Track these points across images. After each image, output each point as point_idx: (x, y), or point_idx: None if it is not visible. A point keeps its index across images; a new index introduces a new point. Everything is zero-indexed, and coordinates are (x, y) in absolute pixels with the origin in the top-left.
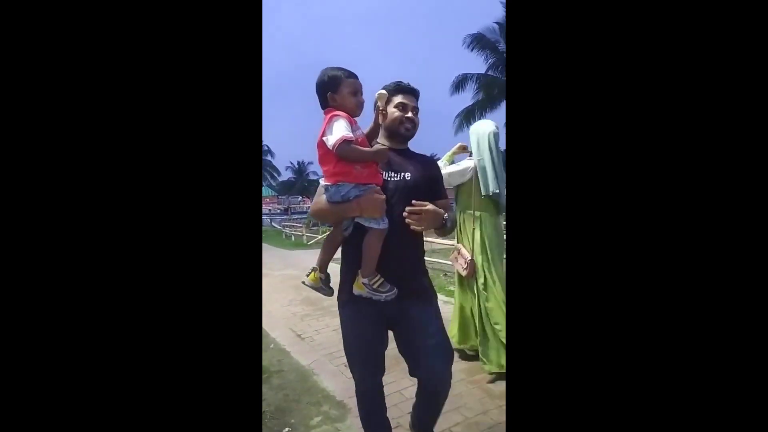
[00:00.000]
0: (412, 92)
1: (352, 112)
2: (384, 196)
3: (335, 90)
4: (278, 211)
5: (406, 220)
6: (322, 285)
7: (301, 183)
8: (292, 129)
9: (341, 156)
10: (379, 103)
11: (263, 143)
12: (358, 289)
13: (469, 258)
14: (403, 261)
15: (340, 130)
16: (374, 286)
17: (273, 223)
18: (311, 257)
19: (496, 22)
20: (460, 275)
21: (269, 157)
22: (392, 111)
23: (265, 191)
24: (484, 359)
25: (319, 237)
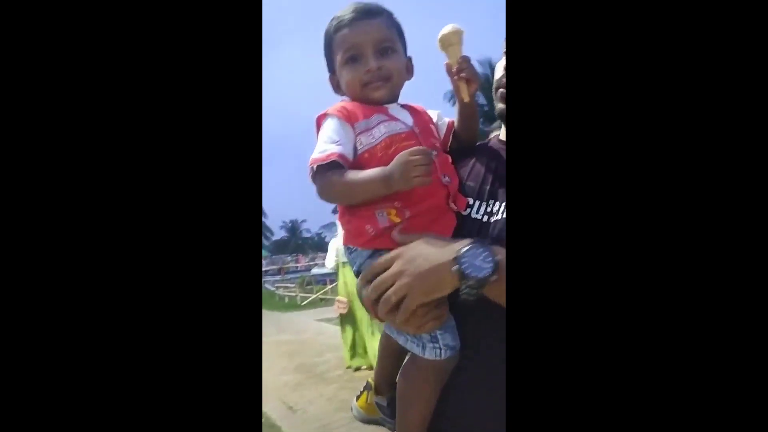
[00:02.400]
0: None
1: (363, 98)
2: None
3: (332, 66)
4: (271, 271)
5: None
6: (383, 415)
7: (294, 241)
8: (285, 186)
9: (322, 198)
10: (448, 57)
11: None
12: None
13: (344, 299)
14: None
15: (319, 143)
16: None
17: (266, 285)
18: (305, 319)
19: (477, 61)
20: (343, 315)
21: (262, 218)
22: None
23: None
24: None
25: (313, 297)
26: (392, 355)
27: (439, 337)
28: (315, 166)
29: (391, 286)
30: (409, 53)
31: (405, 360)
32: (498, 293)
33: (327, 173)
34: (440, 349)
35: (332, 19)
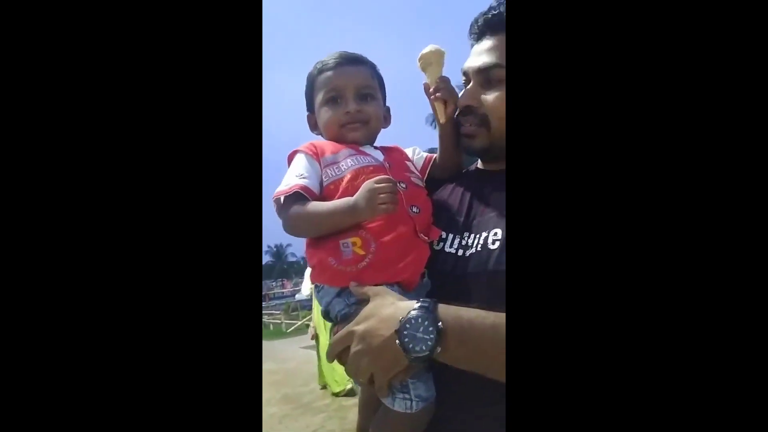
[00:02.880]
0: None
1: (339, 138)
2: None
3: (311, 105)
4: None
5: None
6: None
7: (279, 266)
8: (269, 209)
9: (288, 231)
10: (427, 77)
11: None
12: None
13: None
14: None
15: (285, 178)
16: None
17: None
18: (291, 347)
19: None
20: (317, 342)
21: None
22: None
23: None
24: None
25: (299, 323)
26: (373, 405)
27: (410, 386)
28: (281, 199)
29: (356, 366)
30: (396, 90)
31: (374, 420)
32: (452, 359)
33: (292, 205)
34: (411, 401)
35: (317, 63)
